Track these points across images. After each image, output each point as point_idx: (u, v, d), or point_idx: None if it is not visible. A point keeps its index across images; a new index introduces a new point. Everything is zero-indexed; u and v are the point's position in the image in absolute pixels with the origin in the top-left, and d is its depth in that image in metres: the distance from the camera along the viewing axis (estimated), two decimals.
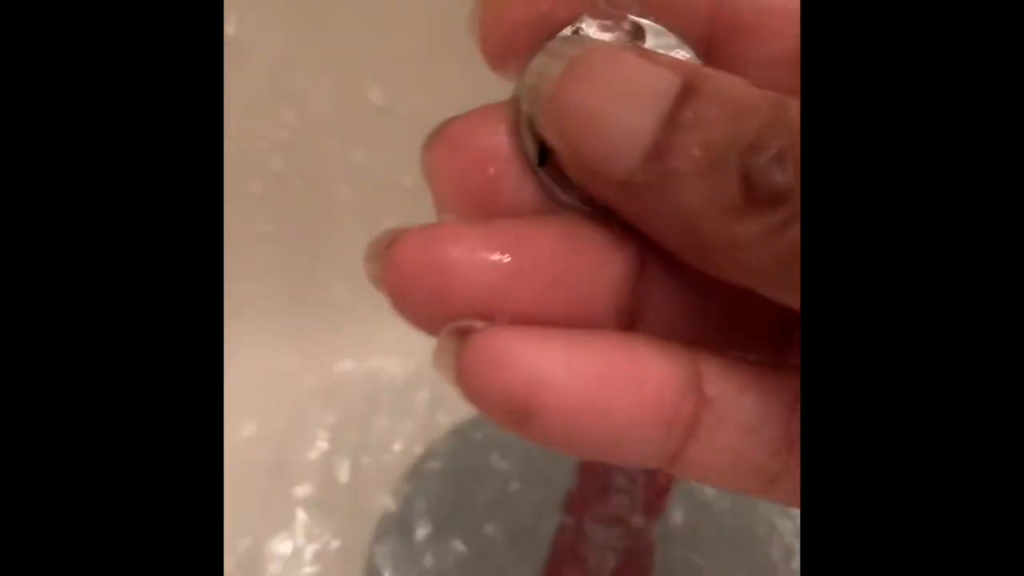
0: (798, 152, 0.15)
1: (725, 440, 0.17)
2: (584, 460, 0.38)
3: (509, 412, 0.16)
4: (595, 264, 0.17)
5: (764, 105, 0.15)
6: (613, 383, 0.16)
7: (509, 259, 0.17)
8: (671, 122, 0.16)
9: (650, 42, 0.18)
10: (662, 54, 0.17)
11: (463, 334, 0.16)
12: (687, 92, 0.16)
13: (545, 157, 0.17)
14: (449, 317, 0.17)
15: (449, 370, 0.16)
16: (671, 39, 0.18)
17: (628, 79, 0.16)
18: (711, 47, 0.18)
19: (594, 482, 0.39)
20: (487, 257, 0.17)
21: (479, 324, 0.16)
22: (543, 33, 0.17)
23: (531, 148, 0.17)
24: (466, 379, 0.16)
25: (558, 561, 0.38)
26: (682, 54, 0.18)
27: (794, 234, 0.15)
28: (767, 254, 0.15)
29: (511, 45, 0.17)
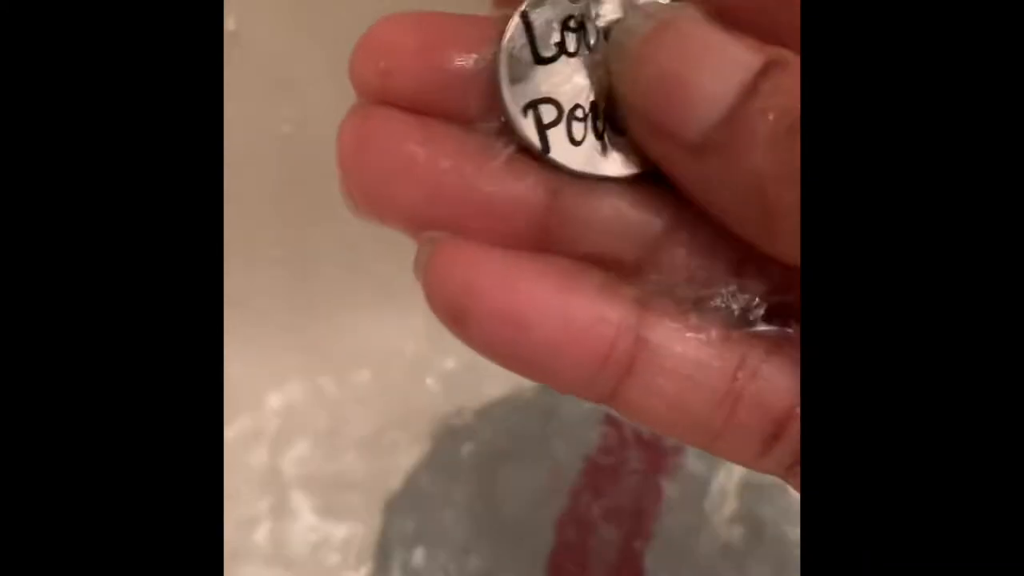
0: None
1: (660, 384, 0.18)
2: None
3: (448, 313, 0.17)
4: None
5: None
6: (541, 302, 0.17)
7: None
8: (752, 89, 0.16)
9: None
10: (753, 38, 0.17)
11: (431, 243, 0.18)
12: (771, 65, 0.16)
13: (547, 147, 0.18)
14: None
15: (419, 276, 0.18)
16: None
17: (715, 47, 0.17)
18: None
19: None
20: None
21: (445, 236, 0.18)
22: None
23: (532, 131, 0.18)
24: (424, 283, 0.18)
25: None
26: None
27: None
28: None
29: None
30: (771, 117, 0.16)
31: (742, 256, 0.18)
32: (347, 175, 0.18)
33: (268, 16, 0.39)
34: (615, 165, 0.18)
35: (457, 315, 0.17)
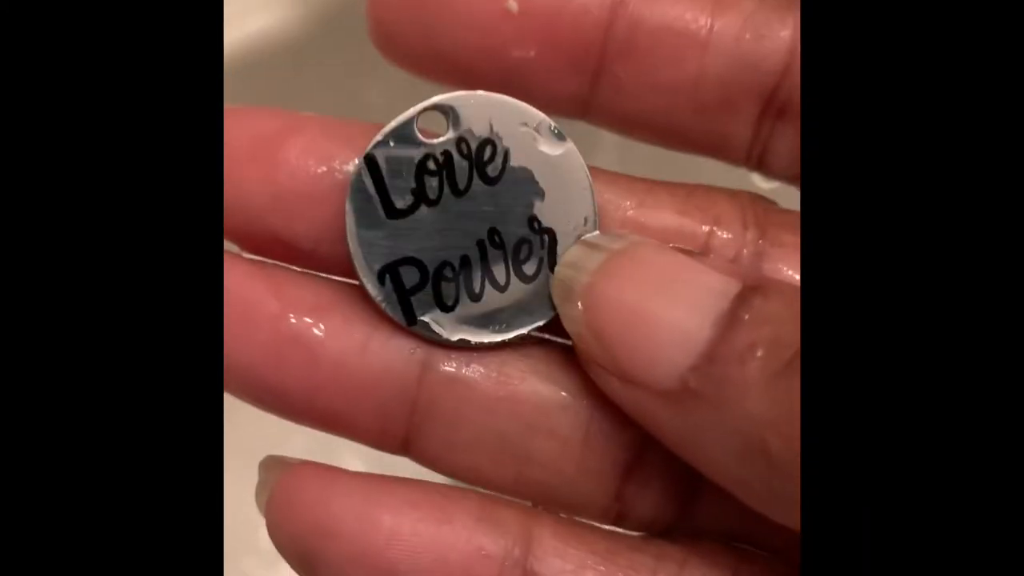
0: None
1: None
2: None
3: (296, 556, 0.15)
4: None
5: None
6: (408, 545, 0.15)
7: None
8: (730, 320, 0.14)
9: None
10: (721, 259, 0.16)
11: (279, 468, 0.16)
12: (750, 291, 0.14)
13: (414, 317, 0.15)
14: None
15: (261, 506, 0.16)
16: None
17: (680, 275, 0.14)
18: (599, 69, 0.16)
19: None
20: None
21: (294, 460, 0.16)
22: (426, 14, 0.16)
23: (391, 299, 0.15)
24: (268, 519, 0.15)
25: None
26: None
27: None
28: None
29: (395, 26, 0.16)
30: (760, 353, 0.13)
31: (633, 446, 0.16)
32: None
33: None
34: (500, 330, 0.16)
35: (308, 559, 0.15)
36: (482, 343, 0.16)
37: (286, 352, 0.15)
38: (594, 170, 0.16)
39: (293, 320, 0.15)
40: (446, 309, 0.15)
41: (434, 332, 0.15)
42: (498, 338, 0.16)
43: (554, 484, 0.16)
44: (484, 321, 0.16)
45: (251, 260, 0.15)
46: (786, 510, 0.13)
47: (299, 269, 0.16)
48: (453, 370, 0.15)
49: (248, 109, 0.15)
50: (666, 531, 0.16)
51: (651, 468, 0.16)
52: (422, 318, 0.15)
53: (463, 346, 0.16)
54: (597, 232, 0.16)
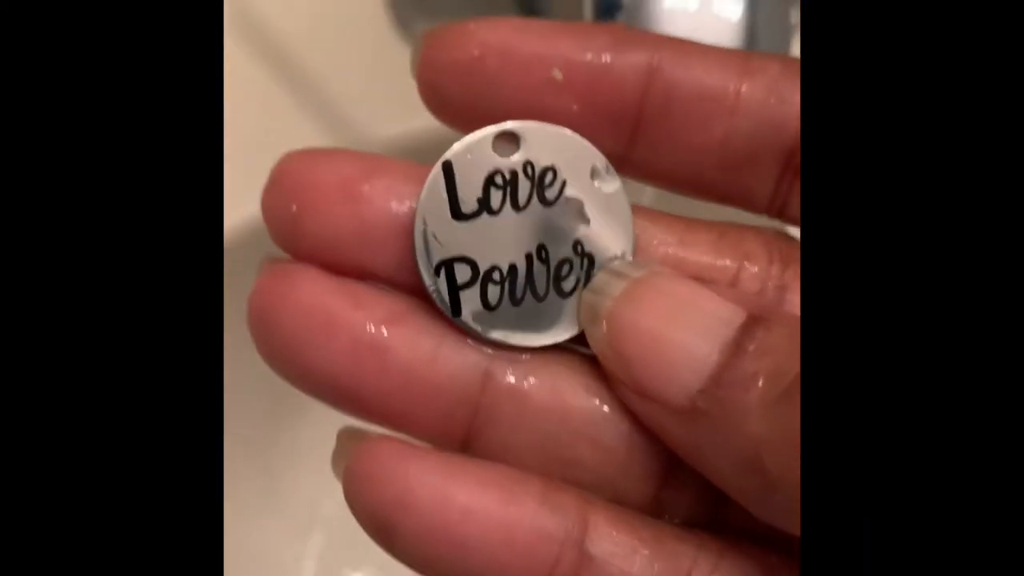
0: None
1: None
2: None
3: (375, 526, 0.16)
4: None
5: None
6: (480, 521, 0.16)
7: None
8: (736, 348, 0.15)
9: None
10: (730, 288, 0.17)
11: (356, 440, 0.17)
12: (754, 321, 0.15)
13: (459, 310, 0.17)
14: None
15: (338, 473, 0.17)
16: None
17: (693, 304, 0.16)
18: (635, 130, 0.17)
19: None
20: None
21: (372, 433, 0.17)
22: (476, 81, 0.17)
23: (443, 291, 0.17)
24: (346, 488, 0.16)
25: None
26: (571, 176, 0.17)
27: None
28: None
29: (445, 90, 0.17)
30: (761, 382, 0.15)
31: (671, 453, 0.17)
32: (260, 337, 0.17)
33: None
34: (531, 335, 0.17)
35: (386, 529, 0.16)
36: (514, 344, 0.17)
37: (362, 358, 0.16)
38: (640, 208, 0.18)
39: (369, 329, 0.16)
40: (489, 308, 0.17)
41: (474, 327, 0.17)
42: (529, 343, 0.17)
43: (599, 483, 0.17)
44: (520, 325, 0.17)
45: (331, 275, 0.17)
46: (784, 519, 0.15)
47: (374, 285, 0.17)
48: (512, 381, 0.17)
49: (335, 152, 0.17)
50: (702, 527, 0.18)
51: (686, 475, 0.17)
52: (466, 312, 0.17)
53: (495, 344, 0.17)
54: (623, 259, 0.17)
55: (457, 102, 0.17)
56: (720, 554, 0.17)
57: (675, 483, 0.17)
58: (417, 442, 0.17)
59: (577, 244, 0.17)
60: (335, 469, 0.17)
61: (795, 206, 0.18)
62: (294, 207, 0.16)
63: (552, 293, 0.17)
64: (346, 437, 0.17)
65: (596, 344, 0.17)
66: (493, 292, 0.17)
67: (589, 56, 0.17)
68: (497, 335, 0.17)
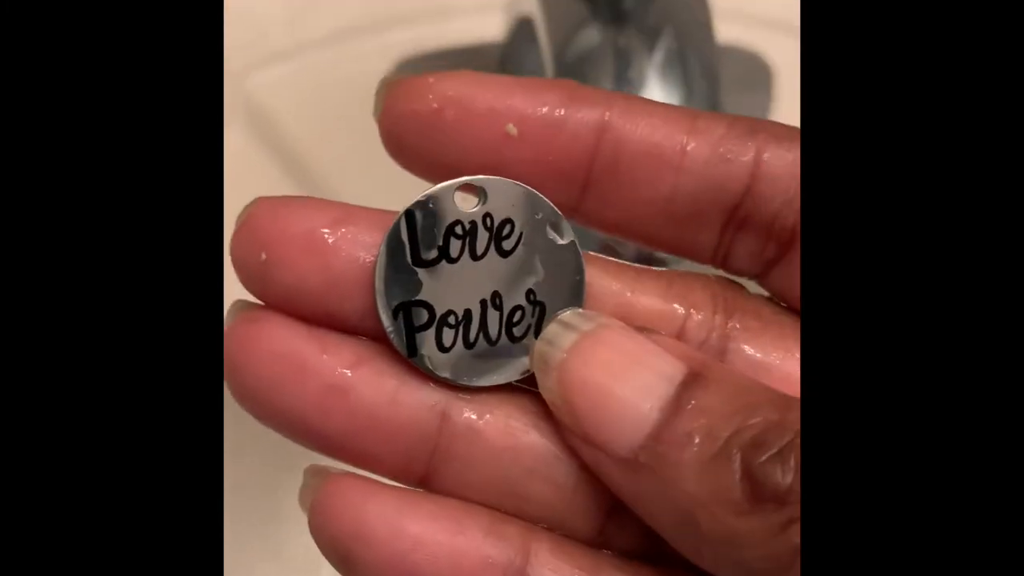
0: (799, 453, 0.15)
1: None
2: None
3: (335, 556, 0.17)
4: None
5: (767, 401, 0.16)
6: (430, 551, 0.17)
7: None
8: (675, 406, 0.16)
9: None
10: (673, 340, 0.18)
11: (320, 476, 0.18)
12: (693, 379, 0.16)
13: (415, 350, 0.18)
14: None
15: (304, 507, 0.18)
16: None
17: (637, 359, 0.17)
18: (586, 184, 0.18)
19: None
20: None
21: (335, 469, 0.18)
22: (434, 132, 0.17)
23: (400, 333, 0.18)
24: (310, 520, 0.18)
25: None
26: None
27: (795, 536, 0.15)
28: (768, 553, 0.15)
29: (405, 138, 0.18)
30: (697, 441, 0.16)
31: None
32: (233, 380, 0.17)
33: None
34: (481, 376, 0.18)
35: (345, 560, 0.17)
36: (465, 384, 0.18)
37: (329, 401, 0.17)
38: (592, 256, 0.19)
39: (336, 373, 0.17)
40: (443, 350, 0.18)
41: (428, 367, 0.18)
42: (478, 383, 0.18)
43: (548, 517, 0.18)
44: (471, 366, 0.18)
45: (298, 322, 0.17)
46: (715, 567, 0.16)
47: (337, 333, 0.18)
48: (468, 421, 0.18)
49: (304, 200, 0.17)
50: (642, 560, 0.19)
51: (629, 513, 0.18)
52: (421, 352, 0.18)
53: (448, 383, 0.18)
54: (573, 310, 0.18)
55: (416, 150, 0.18)
56: None
57: (618, 519, 0.18)
58: (378, 478, 0.18)
59: (530, 292, 0.18)
60: (302, 504, 0.18)
61: (737, 258, 0.19)
62: (263, 256, 0.17)
63: (504, 338, 0.18)
64: (311, 473, 0.18)
65: (547, 393, 0.17)
66: (448, 335, 0.18)
67: (543, 111, 0.17)
68: (448, 375, 0.18)
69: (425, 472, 0.18)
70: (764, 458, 0.15)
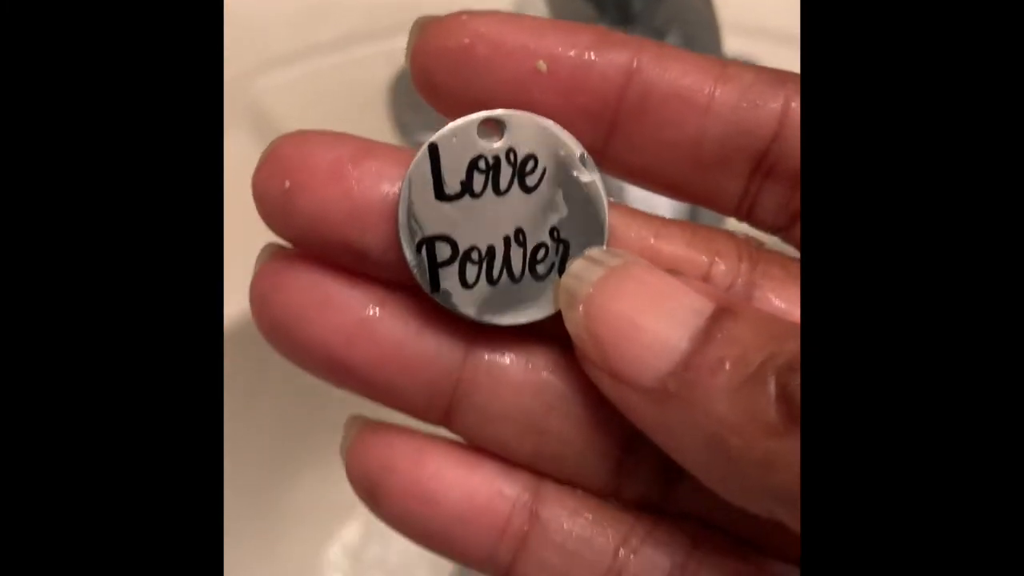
0: None
1: (549, 557, 0.18)
2: None
3: (365, 489, 0.19)
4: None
5: (798, 332, 0.16)
6: (447, 480, 0.18)
7: None
8: (705, 337, 0.16)
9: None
10: (700, 281, 0.18)
11: (357, 424, 0.19)
12: (722, 312, 0.16)
13: (438, 286, 0.18)
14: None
15: (343, 455, 0.19)
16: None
17: (666, 293, 0.17)
18: (613, 125, 0.18)
19: None
20: None
21: (371, 420, 0.19)
22: (464, 67, 0.17)
23: (424, 268, 0.17)
24: (346, 461, 0.19)
25: None
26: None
27: None
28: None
29: (435, 75, 0.17)
30: (728, 367, 0.15)
31: (631, 431, 0.18)
32: (261, 314, 0.18)
33: None
34: (504, 314, 0.18)
35: (373, 490, 0.18)
36: (488, 322, 0.18)
37: (355, 333, 0.18)
38: (616, 204, 0.19)
39: (362, 306, 0.18)
40: (466, 286, 0.18)
41: (451, 303, 0.18)
42: (501, 321, 0.18)
43: (565, 455, 0.19)
44: (494, 304, 0.18)
45: (329, 262, 0.18)
46: (741, 495, 0.16)
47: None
48: (491, 357, 0.18)
49: (327, 133, 0.17)
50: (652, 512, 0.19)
51: (643, 451, 0.18)
52: (444, 288, 0.18)
53: (471, 321, 0.18)
54: (599, 248, 0.18)
55: (446, 87, 0.17)
56: (655, 523, 0.19)
57: (632, 459, 0.19)
58: (404, 425, 0.19)
59: (554, 230, 0.18)
60: (341, 451, 0.19)
61: (763, 209, 0.19)
62: (287, 184, 0.17)
63: (527, 275, 0.18)
64: (348, 424, 0.19)
65: (572, 327, 0.17)
66: (471, 271, 0.18)
67: (573, 52, 0.17)
68: (472, 312, 0.18)
69: (448, 407, 0.18)
70: (800, 379, 0.15)
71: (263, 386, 0.40)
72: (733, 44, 0.35)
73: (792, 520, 0.15)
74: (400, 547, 0.42)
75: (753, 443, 0.15)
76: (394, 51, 0.45)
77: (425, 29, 0.17)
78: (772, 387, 0.15)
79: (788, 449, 0.15)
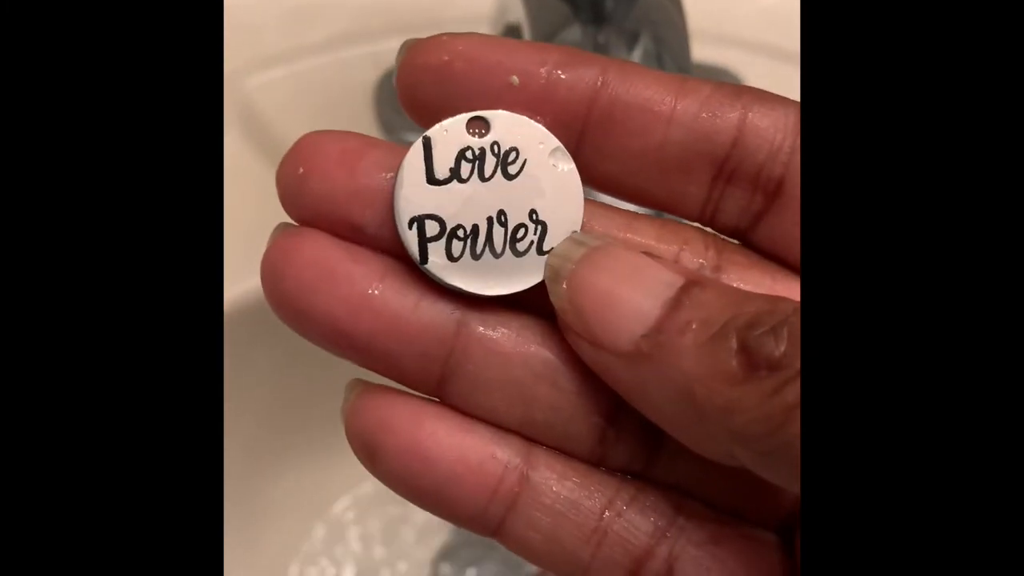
0: (797, 327, 0.16)
1: (538, 518, 0.20)
2: None
3: (363, 449, 0.20)
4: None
5: (760, 298, 0.17)
6: (442, 440, 0.19)
7: None
8: (675, 303, 0.18)
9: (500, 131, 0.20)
10: (672, 261, 0.20)
11: (356, 388, 0.20)
12: (691, 284, 0.18)
13: (426, 258, 0.19)
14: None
15: (344, 417, 0.20)
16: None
17: (641, 269, 0.18)
18: (582, 135, 0.20)
19: None
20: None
21: (371, 383, 0.20)
22: (444, 81, 0.19)
23: (414, 242, 0.19)
24: (345, 422, 0.20)
25: None
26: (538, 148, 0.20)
27: (791, 394, 0.16)
28: (760, 415, 0.16)
29: (419, 89, 0.19)
30: (695, 327, 0.17)
31: (614, 403, 0.19)
32: (271, 286, 0.19)
33: None
34: (486, 286, 0.20)
35: (371, 450, 0.19)
36: (470, 293, 0.20)
37: (357, 304, 0.19)
38: (590, 200, 0.20)
39: (364, 280, 0.19)
40: (452, 260, 0.20)
41: (438, 275, 0.19)
42: (486, 292, 0.20)
43: (553, 423, 0.20)
44: (477, 276, 0.20)
45: (333, 237, 0.19)
46: (707, 442, 0.18)
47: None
48: (483, 329, 0.20)
49: (342, 132, 0.20)
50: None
51: (626, 422, 0.20)
52: (432, 259, 0.19)
53: (459, 292, 0.20)
54: (583, 233, 0.20)
55: (428, 100, 0.19)
56: (639, 489, 0.20)
57: (617, 427, 0.20)
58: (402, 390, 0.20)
59: (533, 212, 0.20)
60: (342, 413, 0.20)
61: (725, 213, 0.20)
62: (301, 170, 0.19)
63: (508, 252, 0.20)
64: (349, 388, 0.20)
65: (557, 300, 0.19)
66: (457, 246, 0.19)
67: (543, 69, 0.19)
68: (457, 283, 0.19)
69: (441, 375, 0.20)
70: (757, 333, 0.17)
71: (246, 379, 0.40)
72: (701, 52, 0.36)
73: (751, 461, 0.17)
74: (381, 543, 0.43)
75: (717, 392, 0.17)
76: (380, 53, 0.46)
77: (410, 49, 0.19)
78: (733, 342, 0.17)
79: (747, 394, 0.16)
